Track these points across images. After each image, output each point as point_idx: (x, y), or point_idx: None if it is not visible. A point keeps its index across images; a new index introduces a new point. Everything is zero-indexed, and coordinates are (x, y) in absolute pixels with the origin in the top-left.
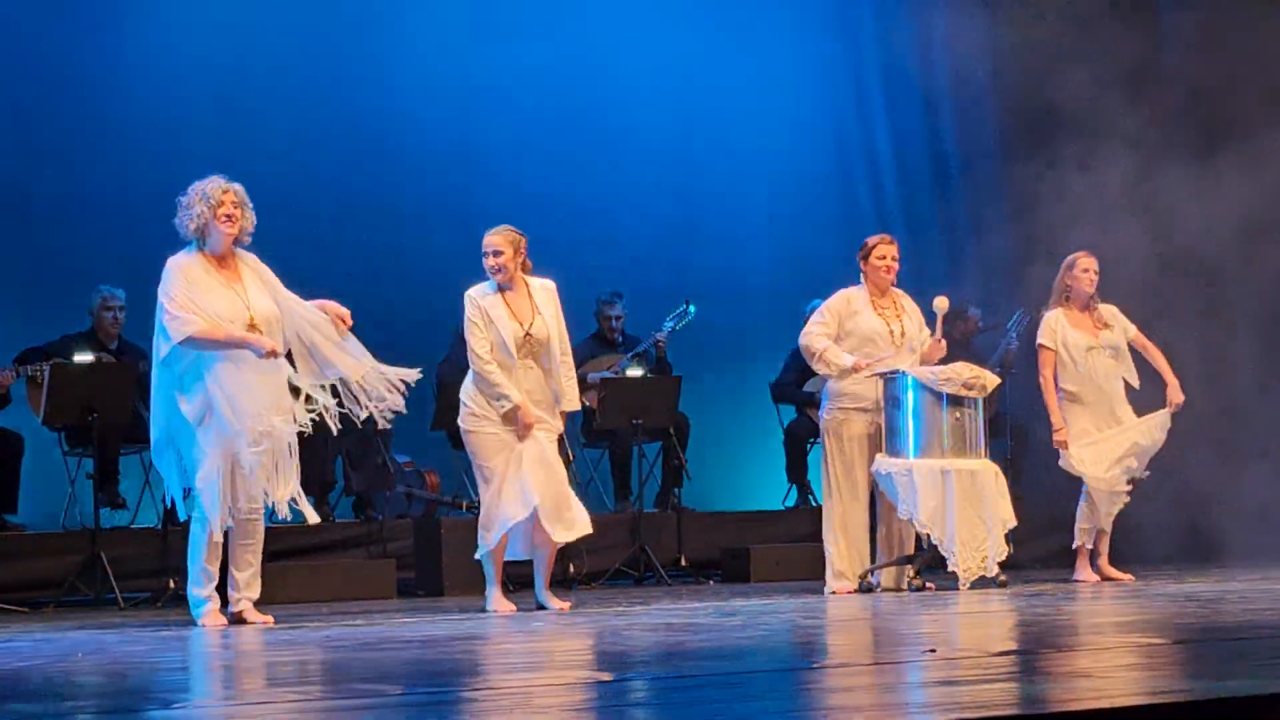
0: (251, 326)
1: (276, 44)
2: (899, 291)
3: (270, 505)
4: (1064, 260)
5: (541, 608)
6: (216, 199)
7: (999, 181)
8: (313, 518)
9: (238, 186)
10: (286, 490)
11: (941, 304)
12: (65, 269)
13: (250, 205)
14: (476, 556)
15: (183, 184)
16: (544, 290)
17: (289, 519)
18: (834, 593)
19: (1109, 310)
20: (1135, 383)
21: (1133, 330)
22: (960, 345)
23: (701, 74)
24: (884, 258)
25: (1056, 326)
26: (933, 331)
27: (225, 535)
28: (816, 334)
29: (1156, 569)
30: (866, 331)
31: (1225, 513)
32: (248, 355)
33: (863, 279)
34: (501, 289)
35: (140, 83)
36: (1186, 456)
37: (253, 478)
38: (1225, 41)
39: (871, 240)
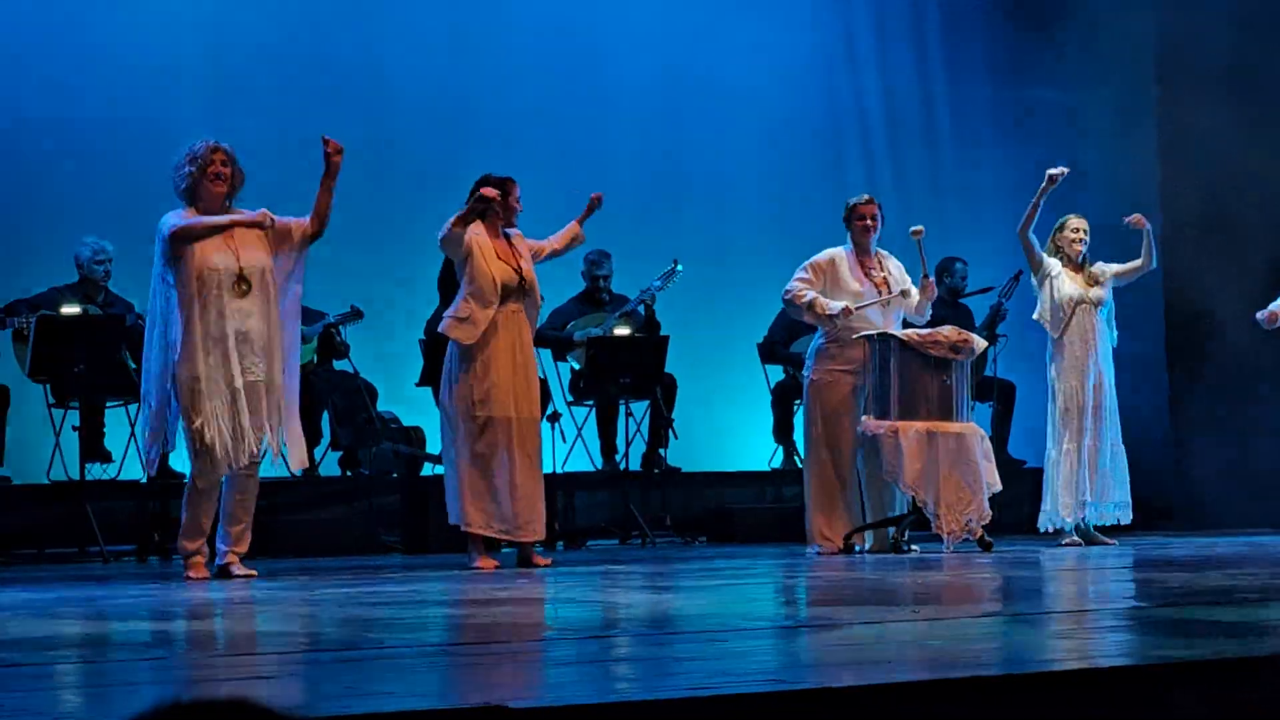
0: (240, 279)
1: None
2: (883, 252)
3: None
4: (1055, 224)
5: (525, 565)
6: (206, 159)
7: (990, 141)
8: (298, 461)
9: (227, 146)
10: (273, 436)
11: (918, 231)
12: (53, 221)
13: (239, 163)
14: (454, 522)
15: (172, 137)
16: (520, 239)
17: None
18: (818, 554)
19: (1100, 269)
20: (1115, 340)
21: (1114, 268)
22: (949, 305)
23: (691, 30)
24: (864, 218)
25: (1053, 270)
26: (919, 266)
27: (220, 490)
28: (799, 287)
29: (1140, 533)
30: (853, 291)
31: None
32: (232, 308)
33: (848, 239)
34: (491, 233)
35: (130, 35)
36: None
37: (240, 430)
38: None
39: (852, 201)
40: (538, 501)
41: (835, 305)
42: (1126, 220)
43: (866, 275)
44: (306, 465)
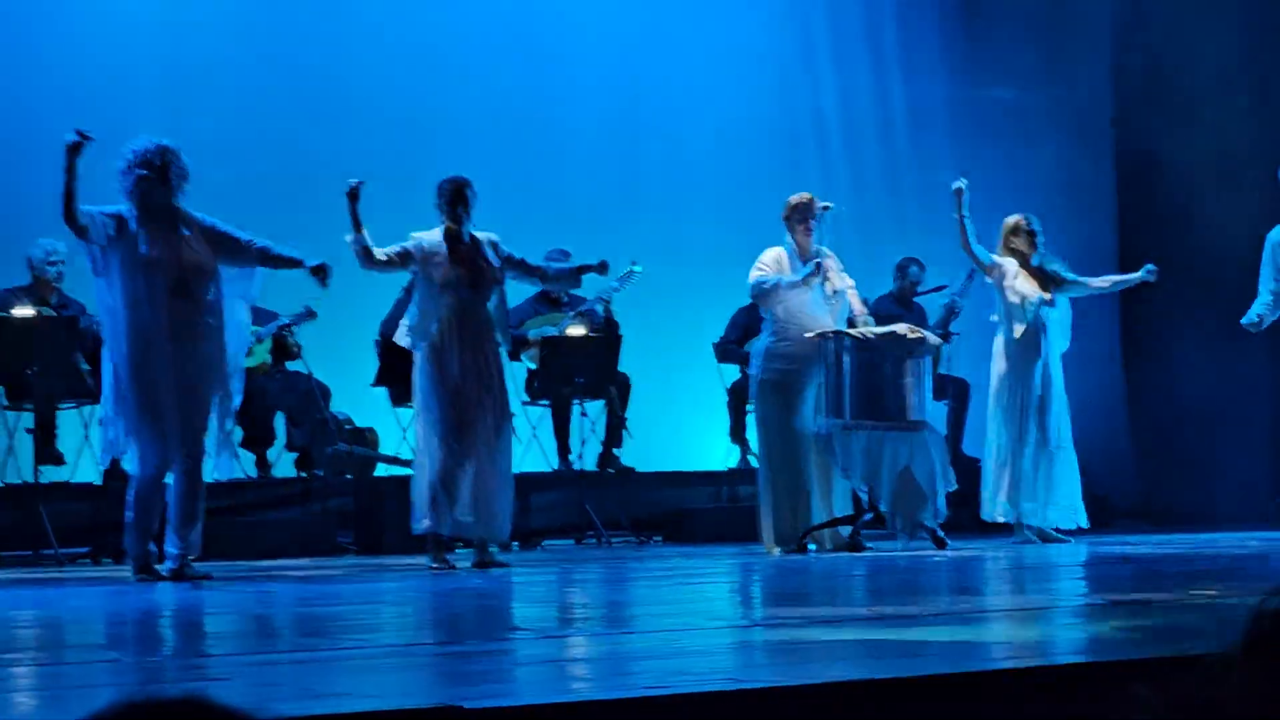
0: (180, 279)
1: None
2: (821, 248)
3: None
4: (1002, 225)
5: (482, 565)
6: (154, 161)
7: (946, 140)
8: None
9: (173, 145)
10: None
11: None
12: (4, 223)
13: (184, 162)
14: (417, 532)
15: (127, 140)
16: (488, 241)
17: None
18: (773, 553)
19: (1057, 272)
20: (1067, 345)
21: (1072, 278)
22: (904, 304)
23: (647, 31)
24: (806, 217)
25: (1009, 269)
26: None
27: (165, 491)
28: (760, 275)
29: (1097, 531)
30: (798, 287)
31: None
32: (171, 310)
33: (789, 238)
34: (449, 237)
35: (86, 37)
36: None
37: (178, 430)
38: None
39: (795, 199)
40: (495, 501)
41: (802, 271)
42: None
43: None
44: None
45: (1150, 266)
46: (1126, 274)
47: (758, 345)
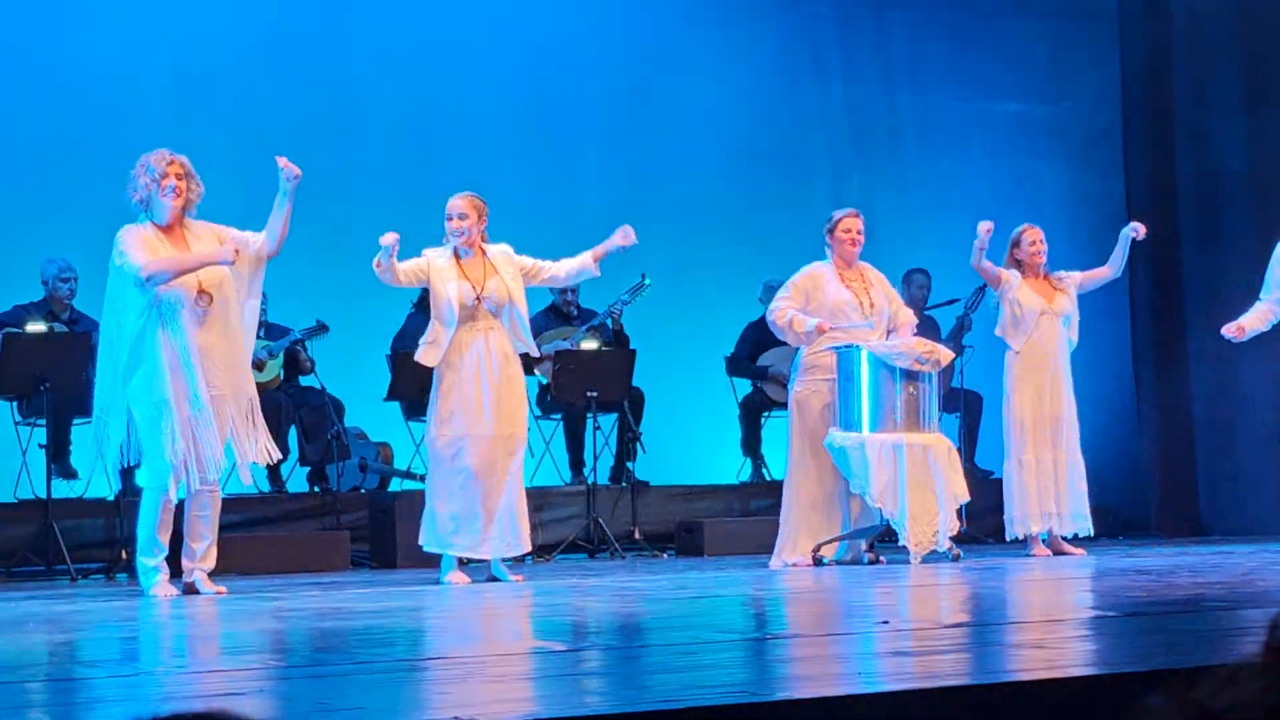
0: (200, 292)
1: (232, 12)
2: (865, 264)
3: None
4: (1010, 237)
5: (495, 580)
6: (160, 170)
7: (956, 153)
8: (267, 458)
9: (183, 158)
10: (257, 449)
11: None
12: (17, 238)
13: (196, 176)
14: (425, 548)
15: (137, 154)
16: (501, 254)
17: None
18: (791, 565)
19: (1062, 277)
20: (1075, 340)
21: (1078, 276)
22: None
23: (656, 44)
24: (849, 231)
25: (1011, 279)
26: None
27: (180, 505)
28: (781, 308)
29: (1109, 543)
30: (835, 303)
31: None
32: (193, 323)
33: (828, 253)
34: (458, 253)
35: (95, 51)
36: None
37: (205, 446)
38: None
39: (837, 214)
40: (508, 517)
41: (810, 323)
42: (1131, 230)
43: (849, 288)
44: (273, 460)
45: (1133, 224)
46: (1120, 252)
47: (794, 359)
